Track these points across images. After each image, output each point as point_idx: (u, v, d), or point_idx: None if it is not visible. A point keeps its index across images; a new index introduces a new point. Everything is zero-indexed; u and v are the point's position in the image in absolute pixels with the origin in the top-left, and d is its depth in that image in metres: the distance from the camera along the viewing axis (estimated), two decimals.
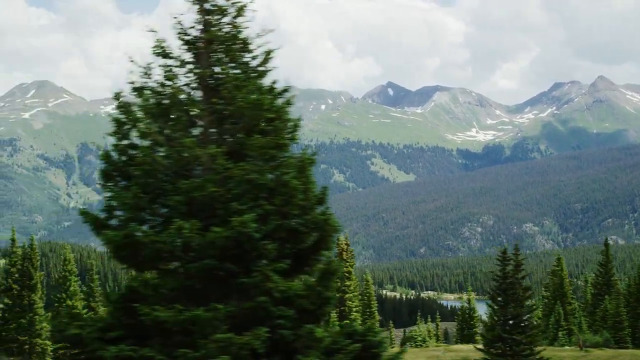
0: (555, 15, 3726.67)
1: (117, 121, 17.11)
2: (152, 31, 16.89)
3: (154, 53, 16.97)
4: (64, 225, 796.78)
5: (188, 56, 16.97)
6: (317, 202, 16.67)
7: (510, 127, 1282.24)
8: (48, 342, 75.62)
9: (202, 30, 16.86)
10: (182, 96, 16.64)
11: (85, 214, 17.08)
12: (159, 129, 16.37)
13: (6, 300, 77.84)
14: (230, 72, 16.43)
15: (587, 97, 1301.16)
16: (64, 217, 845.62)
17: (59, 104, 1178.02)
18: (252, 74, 16.60)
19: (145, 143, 16.44)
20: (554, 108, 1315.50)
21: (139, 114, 16.74)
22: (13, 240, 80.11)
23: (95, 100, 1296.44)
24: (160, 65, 16.87)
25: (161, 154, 16.10)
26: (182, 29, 17.00)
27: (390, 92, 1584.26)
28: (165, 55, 16.93)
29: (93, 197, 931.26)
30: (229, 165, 15.66)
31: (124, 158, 16.80)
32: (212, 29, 16.78)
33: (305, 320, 15.47)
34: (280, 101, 16.77)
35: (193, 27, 16.96)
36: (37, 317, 75.76)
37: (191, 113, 16.62)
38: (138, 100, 16.96)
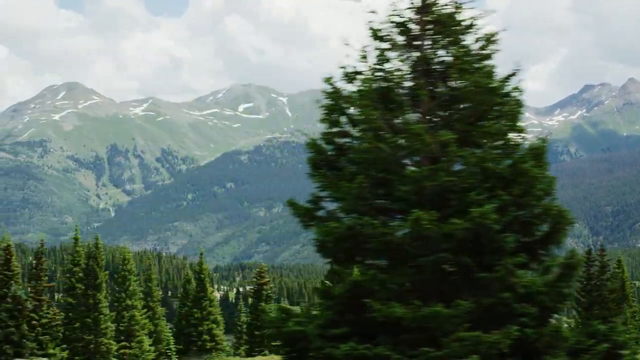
0: (584, 16, 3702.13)
1: (329, 107, 16.13)
2: (372, 12, 15.89)
3: (371, 36, 15.97)
4: (94, 226, 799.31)
5: (402, 39, 15.97)
6: (546, 192, 15.69)
7: (540, 130, 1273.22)
8: (113, 342, 75.12)
9: (421, 12, 15.88)
10: (401, 81, 15.65)
11: (293, 205, 16.21)
12: (379, 115, 15.35)
13: (69, 299, 77.28)
14: (456, 54, 15.43)
15: (618, 99, 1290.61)
16: (93, 218, 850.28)
17: (88, 105, 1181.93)
18: (475, 57, 15.60)
19: (363, 131, 15.45)
20: (584, 110, 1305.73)
21: (352, 100, 15.75)
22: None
23: (125, 102, 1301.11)
24: (376, 49, 15.87)
25: (385, 141, 15.08)
26: (396, 10, 16.00)
27: None
28: (380, 38, 15.94)
29: (122, 198, 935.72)
30: (461, 152, 14.68)
31: (335, 146, 15.87)
32: (432, 9, 15.80)
33: (546, 318, 14.52)
34: (508, 86, 15.78)
35: (409, 8, 15.96)
36: (102, 316, 75.01)
37: (411, 98, 15.64)
38: (349, 87, 15.96)
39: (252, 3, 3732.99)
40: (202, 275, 72.69)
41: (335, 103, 16.09)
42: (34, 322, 64.56)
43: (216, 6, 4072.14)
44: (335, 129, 16.07)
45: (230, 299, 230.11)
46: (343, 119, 16.03)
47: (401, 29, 16.07)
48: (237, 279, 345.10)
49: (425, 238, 14.28)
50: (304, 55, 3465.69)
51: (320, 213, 15.94)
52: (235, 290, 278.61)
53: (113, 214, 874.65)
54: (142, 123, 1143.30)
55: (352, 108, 15.89)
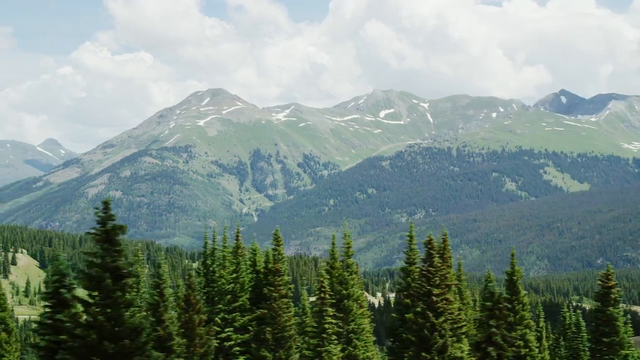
0: None
1: None
2: None
3: None
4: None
5: None
6: None
7: None
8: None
9: None
10: None
11: None
12: None
13: (406, 301, 73.73)
14: None
15: None
16: (237, 222, 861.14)
17: (232, 111, 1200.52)
18: None
19: None
20: None
21: None
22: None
23: (267, 107, 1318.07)
24: None
25: None
26: None
27: (563, 100, 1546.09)
28: None
29: (265, 203, 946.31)
30: None
31: None
32: None
33: None
34: None
35: None
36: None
37: None
38: None
39: (392, 9, 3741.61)
40: (515, 278, 68.89)
41: None
42: None
43: (356, 12, 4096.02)
44: None
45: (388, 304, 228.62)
46: None
47: None
48: (387, 284, 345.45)
49: None
50: (445, 60, 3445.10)
51: None
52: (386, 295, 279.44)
53: (256, 219, 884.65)
54: (285, 129, 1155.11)
55: None
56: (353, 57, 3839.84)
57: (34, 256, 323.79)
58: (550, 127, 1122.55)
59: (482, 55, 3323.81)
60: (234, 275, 61.94)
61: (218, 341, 56.12)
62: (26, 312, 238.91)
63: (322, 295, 60.49)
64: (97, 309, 26.75)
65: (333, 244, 67.12)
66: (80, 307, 28.24)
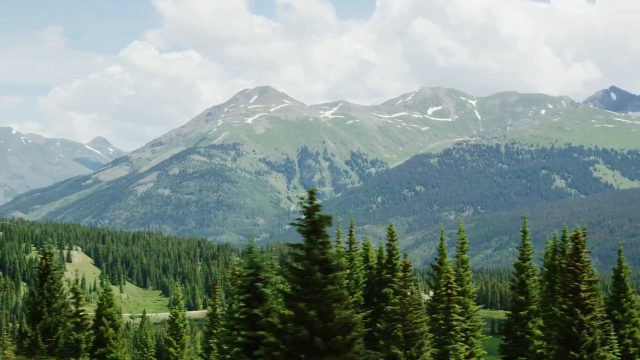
0: None
1: None
2: None
3: None
4: (285, 228, 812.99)
5: None
6: None
7: None
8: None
9: None
10: None
11: None
12: None
13: (520, 298, 74.24)
14: None
15: None
16: (284, 220, 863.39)
17: (279, 109, 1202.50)
18: None
19: None
20: None
21: None
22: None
23: (315, 105, 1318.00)
24: None
25: None
26: None
27: (613, 96, 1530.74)
28: None
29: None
30: None
31: None
32: None
33: None
34: None
35: None
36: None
37: None
38: None
39: (439, 6, 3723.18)
40: (622, 274, 67.80)
41: None
42: None
43: (403, 10, 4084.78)
44: None
45: None
46: None
47: None
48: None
49: None
50: (493, 57, 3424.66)
51: None
52: None
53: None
54: (332, 126, 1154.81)
55: None
56: (400, 55, 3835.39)
57: (88, 253, 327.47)
58: (600, 123, 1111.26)
59: (529, 52, 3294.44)
60: (348, 271, 61.59)
61: None
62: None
63: (448, 291, 60.47)
64: (306, 304, 25.71)
65: (442, 239, 66.62)
66: (274, 302, 28.01)
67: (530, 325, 61.49)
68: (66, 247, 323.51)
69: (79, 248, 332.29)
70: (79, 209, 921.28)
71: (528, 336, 61.18)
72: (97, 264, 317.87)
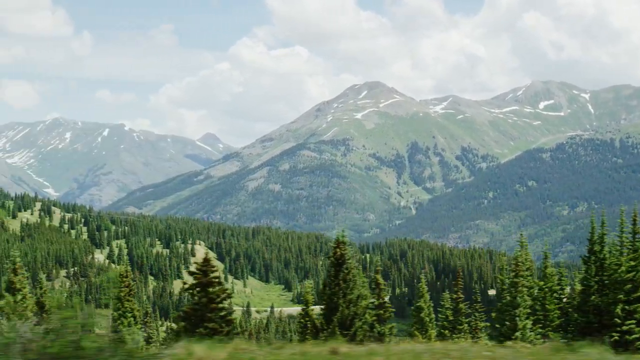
0: None
1: None
2: None
3: None
4: (395, 224, 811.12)
5: None
6: None
7: None
8: None
9: None
10: None
11: None
12: None
13: None
14: None
15: None
16: (395, 215, 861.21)
17: (389, 104, 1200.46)
18: None
19: None
20: None
21: None
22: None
23: (424, 100, 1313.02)
24: None
25: None
26: None
27: None
28: None
29: (423, 196, 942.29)
30: None
31: None
32: None
33: None
34: None
35: None
36: None
37: None
38: None
39: None
40: None
41: None
42: None
43: (512, 3, 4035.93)
44: None
45: None
46: None
47: None
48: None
49: None
50: (605, 50, 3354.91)
51: None
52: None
53: (414, 212, 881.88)
54: (442, 121, 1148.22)
55: None
56: (509, 49, 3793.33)
57: (210, 248, 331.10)
58: None
59: None
60: (633, 262, 58.73)
61: (619, 335, 53.86)
62: None
63: None
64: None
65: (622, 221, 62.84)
66: None
67: None
68: (189, 241, 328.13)
69: (202, 242, 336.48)
70: (191, 204, 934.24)
71: None
72: (220, 258, 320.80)
